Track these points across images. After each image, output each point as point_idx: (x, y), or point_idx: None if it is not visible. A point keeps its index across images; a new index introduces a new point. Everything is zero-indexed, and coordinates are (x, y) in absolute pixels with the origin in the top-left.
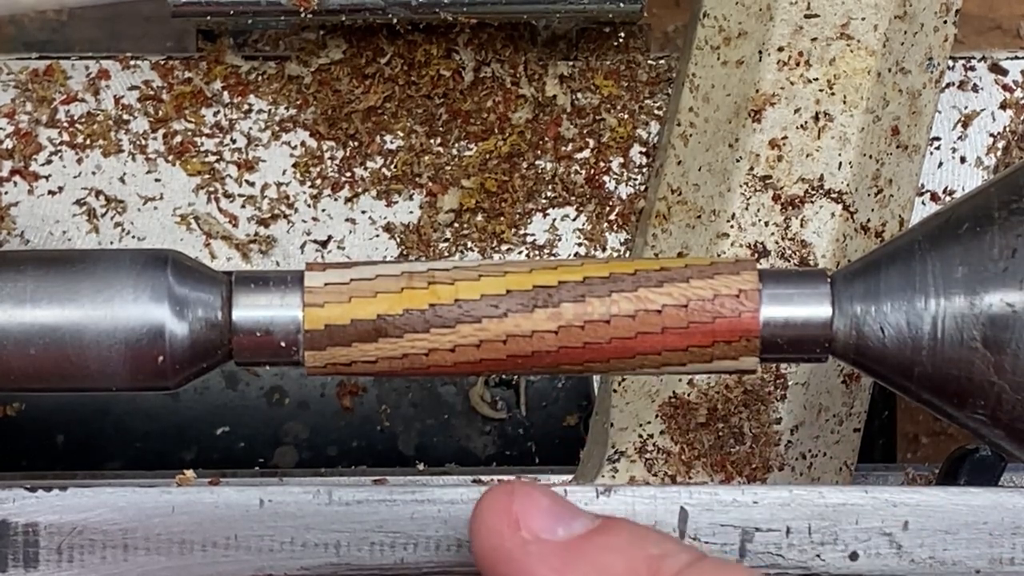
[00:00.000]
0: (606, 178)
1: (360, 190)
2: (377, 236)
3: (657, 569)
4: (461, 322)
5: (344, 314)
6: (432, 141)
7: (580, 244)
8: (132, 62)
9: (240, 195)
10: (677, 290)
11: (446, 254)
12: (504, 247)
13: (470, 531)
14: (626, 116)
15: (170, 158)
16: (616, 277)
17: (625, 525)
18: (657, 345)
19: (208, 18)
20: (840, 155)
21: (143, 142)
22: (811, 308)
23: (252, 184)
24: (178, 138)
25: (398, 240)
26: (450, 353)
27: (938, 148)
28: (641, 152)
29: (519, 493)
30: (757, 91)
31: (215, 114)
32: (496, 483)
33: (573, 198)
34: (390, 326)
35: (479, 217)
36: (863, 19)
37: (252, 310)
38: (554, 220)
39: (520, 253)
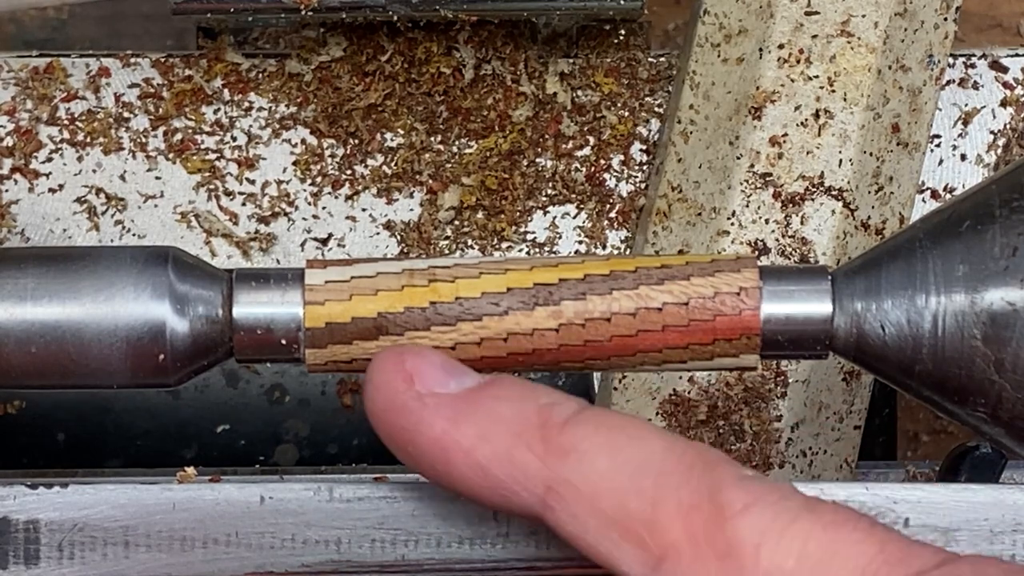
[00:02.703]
0: (606, 176)
1: (360, 188)
2: (377, 234)
3: (548, 416)
4: (462, 320)
5: (345, 312)
6: (432, 139)
7: (580, 242)
8: (132, 60)
9: (240, 193)
10: (678, 287)
11: (446, 252)
12: (504, 245)
13: (364, 390)
14: (626, 114)
15: (170, 156)
16: (617, 275)
17: (515, 380)
18: (658, 343)
19: (208, 16)
20: (840, 152)
21: (143, 140)
22: (812, 305)
23: (252, 182)
24: (178, 136)
25: (398, 238)
26: (451, 351)
27: (938, 145)
28: (641, 149)
29: (410, 352)
30: (757, 88)
31: (215, 112)
32: None
33: (574, 196)
34: (391, 324)
35: (479, 215)
36: (863, 16)
37: (253, 307)
38: (554, 218)
39: (520, 251)
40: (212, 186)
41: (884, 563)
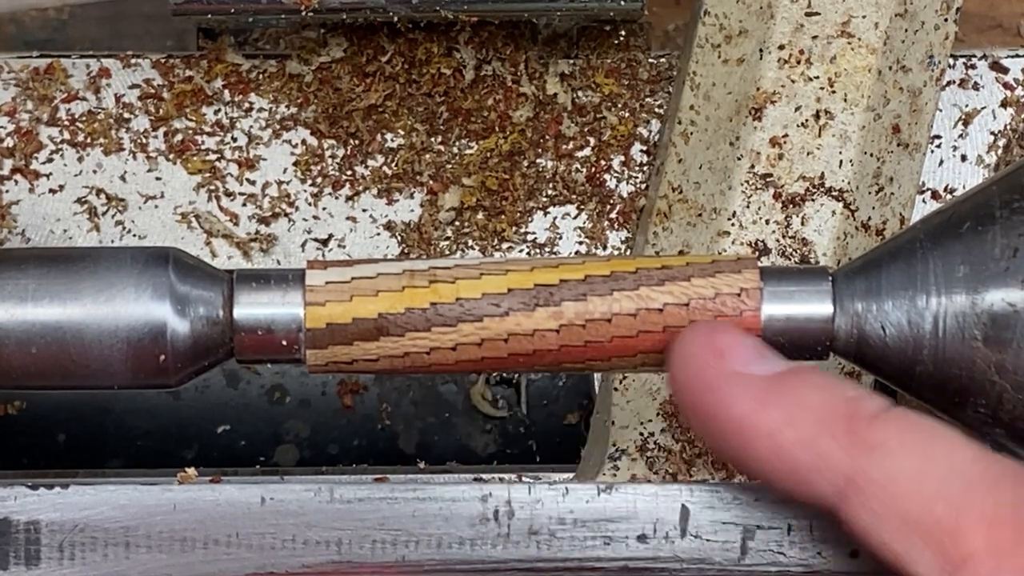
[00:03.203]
0: (607, 176)
1: (361, 188)
2: (378, 234)
3: (856, 409)
4: (463, 321)
5: (345, 312)
6: (433, 139)
7: (581, 242)
8: (133, 60)
9: (241, 193)
10: (678, 288)
11: (447, 252)
12: (505, 245)
13: (670, 361)
14: (627, 114)
15: (171, 156)
16: (617, 275)
17: (820, 371)
18: (659, 343)
19: (209, 16)
20: (841, 153)
21: (144, 140)
22: (812, 306)
23: (253, 182)
24: (179, 136)
25: (399, 238)
26: (451, 351)
27: (939, 146)
28: (642, 150)
29: (722, 329)
30: (758, 89)
31: (216, 112)
32: (499, 479)
33: (574, 196)
34: (391, 324)
35: (480, 215)
36: (864, 17)
37: (253, 308)
38: (555, 218)
39: (521, 251)
40: (212, 187)
41: None
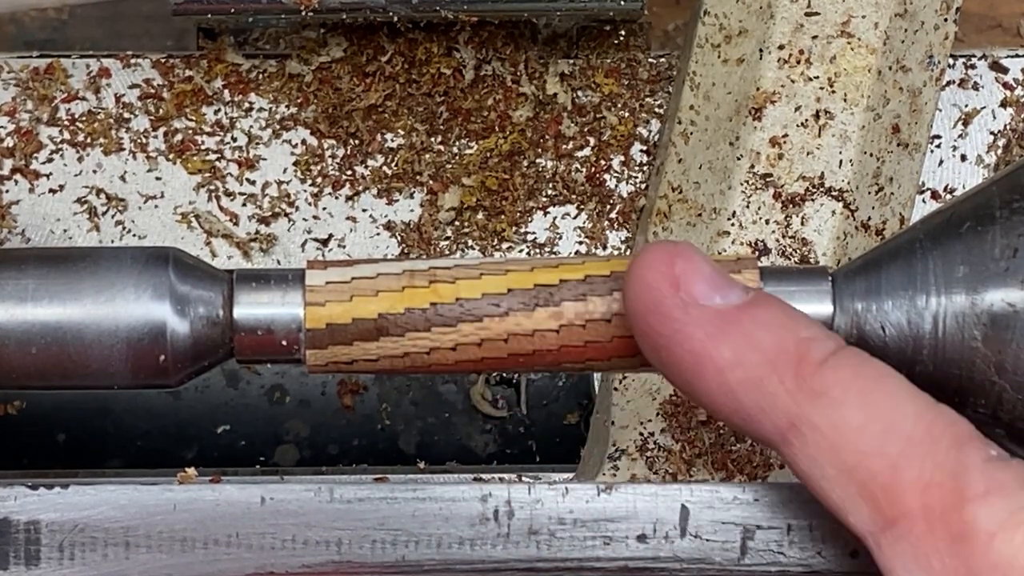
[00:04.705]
0: (607, 176)
1: (361, 188)
2: (378, 234)
3: (806, 351)
4: (463, 321)
5: (345, 312)
6: (433, 139)
7: (581, 242)
8: (133, 60)
9: (241, 193)
10: None
11: (447, 252)
12: (505, 245)
13: (626, 284)
14: (627, 114)
15: (171, 156)
16: (617, 275)
17: (778, 304)
18: None
19: (209, 16)
20: (841, 153)
21: (144, 140)
22: (812, 305)
23: (253, 182)
24: (179, 136)
25: (399, 238)
26: (451, 352)
27: (939, 146)
28: (642, 150)
29: (681, 255)
30: (758, 89)
31: (216, 112)
32: (499, 479)
33: (574, 196)
34: (391, 325)
35: (480, 215)
36: (864, 17)
37: (253, 308)
38: (555, 218)
39: (521, 251)
40: (212, 187)
41: None
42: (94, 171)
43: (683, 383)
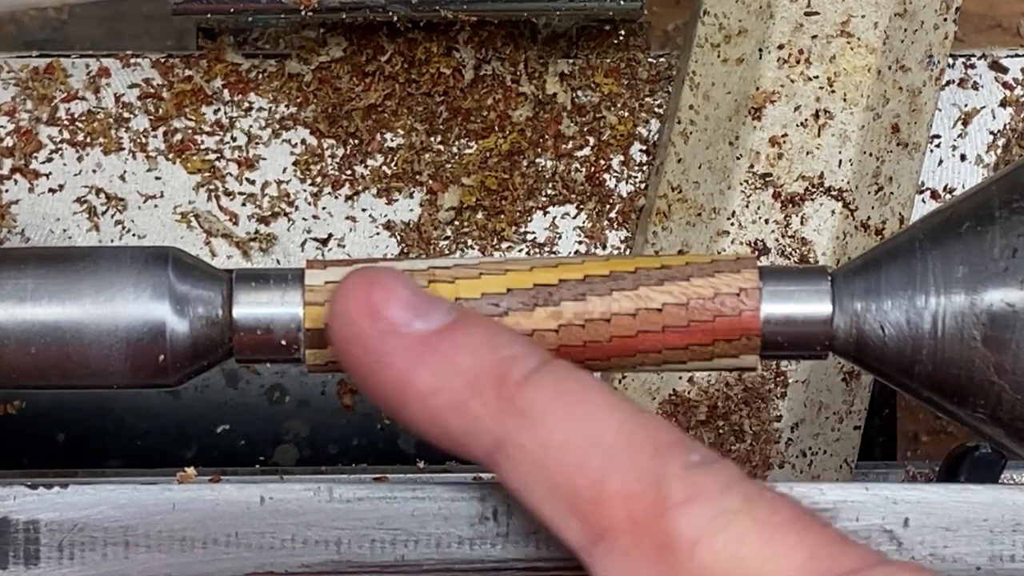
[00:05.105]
0: (606, 176)
1: (360, 188)
2: (377, 234)
3: (507, 370)
4: None
5: None
6: (432, 139)
7: (580, 242)
8: (132, 60)
9: (240, 193)
10: (678, 288)
11: (446, 252)
12: (504, 245)
13: (329, 315)
14: (626, 114)
15: (170, 156)
16: (616, 275)
17: (480, 323)
18: (658, 343)
19: (208, 16)
20: (840, 153)
21: (143, 140)
22: (812, 305)
23: (252, 182)
24: (178, 136)
25: (398, 238)
26: None
27: (938, 146)
28: (641, 150)
29: (378, 282)
30: (757, 89)
31: (215, 112)
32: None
33: (573, 196)
34: None
35: (479, 215)
36: (863, 16)
37: (253, 308)
38: (554, 218)
39: (520, 251)
40: (212, 186)
41: (813, 572)
42: (94, 171)
43: (390, 411)
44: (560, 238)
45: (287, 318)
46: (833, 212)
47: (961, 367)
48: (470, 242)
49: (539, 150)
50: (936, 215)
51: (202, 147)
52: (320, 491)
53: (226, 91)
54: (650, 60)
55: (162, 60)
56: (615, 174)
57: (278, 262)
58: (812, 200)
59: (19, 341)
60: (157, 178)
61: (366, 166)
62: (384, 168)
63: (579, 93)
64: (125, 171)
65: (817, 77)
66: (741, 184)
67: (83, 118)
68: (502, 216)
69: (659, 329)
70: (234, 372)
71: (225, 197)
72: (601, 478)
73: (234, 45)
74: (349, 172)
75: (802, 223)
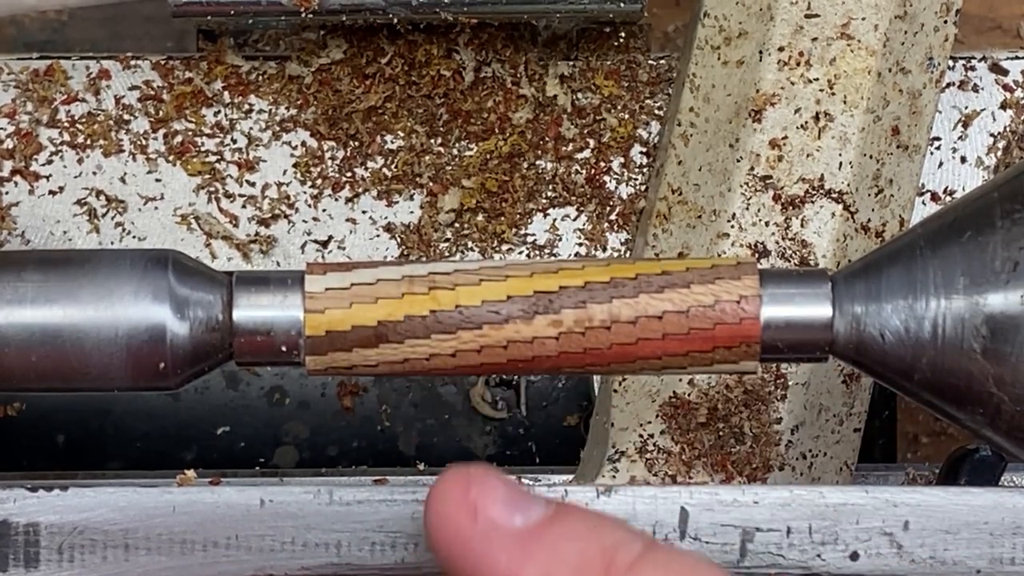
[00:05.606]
0: (607, 178)
1: (361, 190)
2: (378, 236)
3: (611, 559)
4: (462, 328)
5: (345, 319)
6: (433, 141)
7: (581, 244)
8: (133, 62)
9: (241, 195)
10: (678, 296)
11: (447, 254)
12: (505, 247)
13: (425, 518)
14: (627, 116)
15: (171, 158)
16: (617, 282)
17: (579, 514)
18: (657, 350)
19: (209, 18)
20: (840, 155)
21: (144, 142)
22: (812, 308)
23: (253, 184)
24: (179, 138)
25: (399, 240)
26: (451, 358)
27: (938, 148)
28: (642, 152)
29: (475, 482)
30: (757, 91)
31: (216, 114)
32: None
33: (574, 198)
34: (391, 331)
35: (480, 217)
36: (863, 19)
37: (253, 311)
38: (555, 220)
39: (521, 253)
40: (212, 188)
41: None
42: (94, 173)
43: None
44: (560, 240)
45: (288, 323)
46: (833, 214)
47: (960, 377)
48: (470, 244)
49: (539, 152)
50: (937, 219)
51: (202, 149)
52: (320, 493)
53: (226, 93)
54: (650, 62)
55: (162, 62)
56: (615, 176)
57: (278, 264)
58: (812, 202)
59: (20, 346)
60: (157, 180)
61: (366, 168)
62: (384, 170)
63: (579, 95)
64: (125, 173)
65: (817, 79)
66: (741, 186)
67: (83, 120)
68: (502, 218)
69: (659, 336)
70: (234, 374)
71: (225, 199)
72: None
73: (234, 47)
74: (349, 174)
75: (802, 225)
